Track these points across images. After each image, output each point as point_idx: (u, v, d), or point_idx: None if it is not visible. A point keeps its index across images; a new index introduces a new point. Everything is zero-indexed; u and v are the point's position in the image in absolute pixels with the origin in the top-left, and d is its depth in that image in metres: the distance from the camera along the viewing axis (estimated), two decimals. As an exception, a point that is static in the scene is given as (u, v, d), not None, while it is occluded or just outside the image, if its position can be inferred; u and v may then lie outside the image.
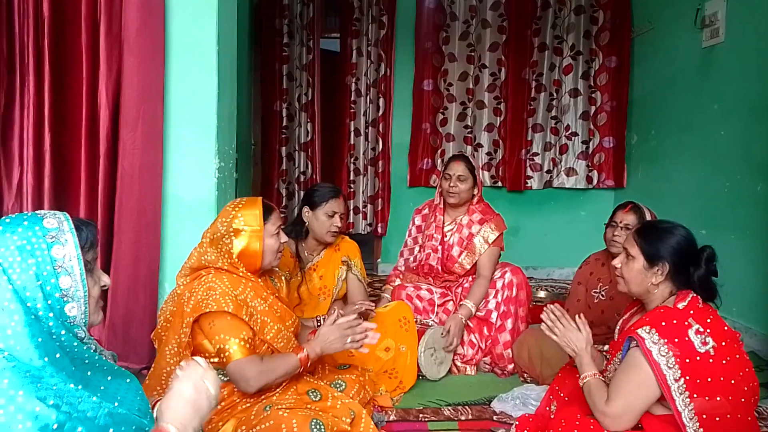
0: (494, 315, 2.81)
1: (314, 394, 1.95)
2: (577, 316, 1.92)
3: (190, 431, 1.15)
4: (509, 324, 2.80)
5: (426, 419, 2.29)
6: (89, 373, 1.16)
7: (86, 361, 1.16)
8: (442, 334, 2.71)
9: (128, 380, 1.25)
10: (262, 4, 4.96)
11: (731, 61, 3.41)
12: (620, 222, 2.58)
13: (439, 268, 3.00)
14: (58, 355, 1.08)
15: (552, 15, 4.82)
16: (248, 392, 1.84)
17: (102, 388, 1.17)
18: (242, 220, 1.89)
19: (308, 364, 1.93)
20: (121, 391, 1.21)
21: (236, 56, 2.73)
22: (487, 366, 2.84)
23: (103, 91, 2.40)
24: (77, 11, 2.39)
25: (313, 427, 1.70)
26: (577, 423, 1.69)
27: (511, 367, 2.78)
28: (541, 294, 4.18)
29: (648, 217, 2.52)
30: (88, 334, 1.21)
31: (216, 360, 1.85)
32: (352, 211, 5.10)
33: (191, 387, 1.18)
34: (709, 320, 1.65)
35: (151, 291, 2.47)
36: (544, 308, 1.94)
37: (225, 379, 1.88)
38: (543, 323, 1.91)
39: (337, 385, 2.09)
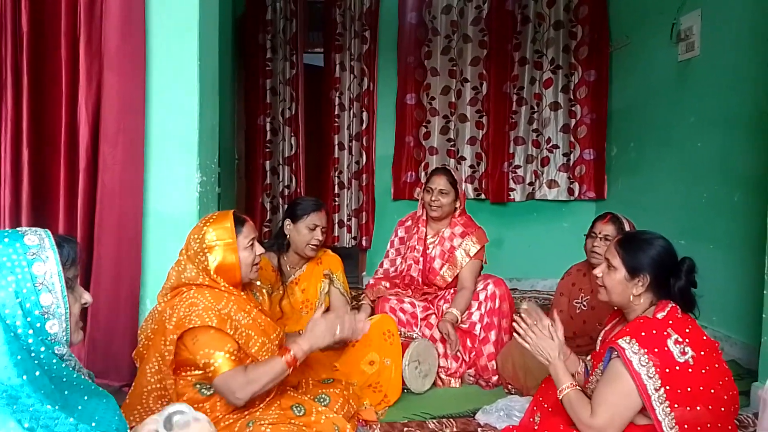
0: (478, 327, 2.82)
1: (298, 408, 1.93)
2: (554, 313, 1.93)
3: None
4: (493, 336, 2.81)
5: (411, 433, 2.28)
6: (67, 392, 1.15)
7: (64, 380, 1.15)
8: (445, 332, 2.69)
9: (105, 400, 1.24)
10: (245, 19, 4.98)
11: (707, 74, 3.48)
12: (599, 233, 2.61)
13: (420, 279, 3.00)
14: (37, 373, 1.07)
15: (532, 30, 4.89)
16: (237, 405, 1.82)
17: (79, 407, 1.16)
18: (214, 234, 1.87)
19: (297, 364, 1.87)
20: (99, 411, 1.20)
21: (218, 70, 2.73)
22: (471, 378, 2.84)
23: (83, 106, 2.38)
24: (57, 26, 2.38)
25: (296, 442, 1.69)
26: (561, 434, 1.70)
27: (495, 378, 2.78)
28: (525, 305, 4.18)
29: (627, 228, 2.56)
30: (69, 350, 1.20)
31: (200, 373, 1.83)
32: (336, 225, 5.10)
33: None
34: (688, 330, 1.67)
35: (132, 307, 2.44)
36: (515, 316, 1.95)
37: (208, 393, 1.86)
38: (514, 332, 1.92)
39: (321, 400, 2.08)
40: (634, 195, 4.40)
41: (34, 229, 1.17)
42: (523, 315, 1.92)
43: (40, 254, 1.13)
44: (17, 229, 1.16)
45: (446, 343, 2.78)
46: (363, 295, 3.11)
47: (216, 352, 1.76)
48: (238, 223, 1.92)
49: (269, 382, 1.82)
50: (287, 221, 2.64)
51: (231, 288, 1.91)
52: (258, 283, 2.11)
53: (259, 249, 1.97)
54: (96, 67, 2.38)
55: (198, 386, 1.85)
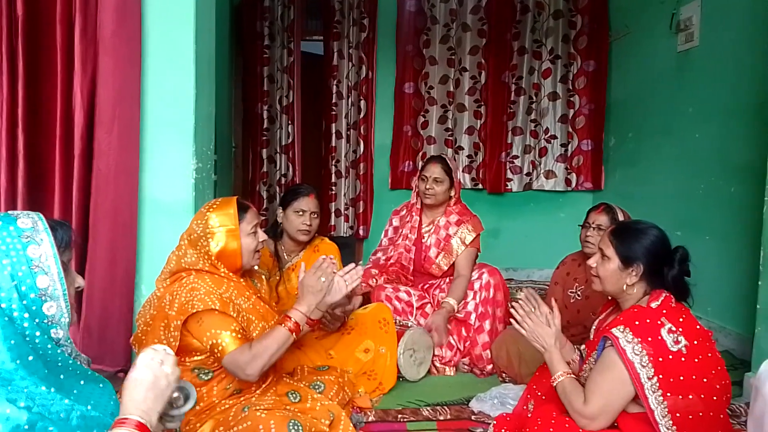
0: (472, 316, 2.83)
1: (293, 395, 1.95)
2: (552, 301, 1.94)
3: (155, 416, 1.13)
4: (487, 325, 2.82)
5: (405, 420, 2.29)
6: (62, 376, 1.15)
7: (59, 364, 1.15)
8: (421, 332, 2.71)
9: (102, 385, 1.24)
10: (243, 5, 4.95)
11: (706, 64, 3.47)
12: (593, 223, 2.62)
13: (411, 268, 3.00)
14: (31, 358, 1.07)
15: (531, 19, 4.86)
16: (249, 381, 1.83)
17: (75, 391, 1.16)
18: (217, 220, 1.88)
19: (300, 330, 1.88)
20: (95, 394, 1.20)
21: (215, 57, 2.71)
22: (465, 367, 2.85)
23: (78, 91, 2.37)
24: (52, 11, 2.36)
25: (291, 427, 1.69)
26: (553, 421, 1.70)
27: (489, 367, 2.79)
28: (521, 295, 4.19)
29: (621, 218, 2.56)
30: (68, 334, 1.19)
31: (199, 359, 1.83)
32: (333, 214, 5.10)
33: (148, 372, 1.16)
34: (681, 319, 1.67)
35: (127, 293, 2.44)
36: (512, 303, 1.96)
37: (206, 378, 1.87)
38: (511, 318, 1.93)
39: (316, 387, 2.09)
40: (632, 186, 4.40)
41: (26, 212, 1.16)
42: (520, 302, 1.93)
43: (34, 237, 1.13)
44: (8, 213, 1.16)
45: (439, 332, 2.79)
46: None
47: (222, 332, 1.78)
48: (242, 209, 1.93)
49: (275, 352, 1.82)
50: (279, 208, 2.69)
51: (231, 274, 1.91)
52: (256, 268, 2.11)
53: (261, 236, 1.98)
54: (91, 53, 2.37)
55: (196, 371, 1.86)
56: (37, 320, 1.12)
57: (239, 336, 1.80)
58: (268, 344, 1.81)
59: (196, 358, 1.85)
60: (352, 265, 2.04)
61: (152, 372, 1.15)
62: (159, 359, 1.17)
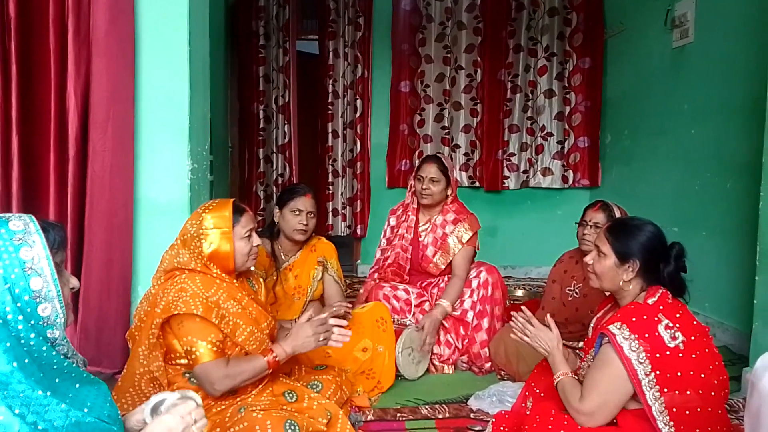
0: (470, 314, 2.82)
1: (290, 395, 1.94)
2: (546, 317, 1.94)
3: None
4: (485, 323, 2.81)
5: (403, 418, 2.29)
6: (57, 380, 1.14)
7: (54, 367, 1.15)
8: (417, 329, 2.71)
9: (97, 387, 1.23)
10: (238, 5, 4.94)
11: (701, 60, 3.48)
12: (590, 220, 2.62)
13: (407, 267, 3.00)
14: (26, 361, 1.06)
15: (526, 17, 4.87)
16: (213, 395, 1.82)
17: (70, 395, 1.15)
18: (211, 221, 1.87)
19: (278, 366, 1.90)
20: (90, 397, 1.20)
21: (209, 56, 2.71)
22: (464, 365, 2.85)
23: (72, 92, 2.36)
24: (44, 12, 2.35)
25: (287, 427, 1.69)
26: (551, 419, 1.70)
27: (488, 365, 2.79)
28: (519, 293, 4.21)
29: (617, 215, 2.56)
30: (64, 333, 1.19)
31: (185, 361, 1.83)
32: (330, 213, 5.09)
33: (181, 426, 1.19)
34: (678, 315, 1.67)
35: (123, 294, 2.44)
36: (512, 314, 1.96)
37: (198, 382, 1.86)
38: (513, 330, 1.93)
39: (314, 386, 2.09)
40: (628, 183, 4.41)
41: (17, 215, 1.16)
42: (517, 314, 1.94)
43: (26, 239, 1.12)
44: (0, 215, 1.15)
45: (440, 329, 2.79)
46: (363, 285, 3.11)
47: (199, 341, 1.77)
48: (237, 212, 1.91)
49: (248, 378, 1.84)
50: (276, 208, 2.68)
51: (223, 275, 1.90)
52: (254, 270, 2.10)
53: (256, 240, 1.97)
54: (84, 54, 2.36)
55: (187, 375, 1.86)
56: (32, 322, 1.11)
57: (215, 348, 1.79)
58: (244, 369, 1.82)
59: (182, 361, 1.85)
60: (344, 323, 2.06)
61: (183, 423, 1.20)
62: (194, 417, 1.22)
